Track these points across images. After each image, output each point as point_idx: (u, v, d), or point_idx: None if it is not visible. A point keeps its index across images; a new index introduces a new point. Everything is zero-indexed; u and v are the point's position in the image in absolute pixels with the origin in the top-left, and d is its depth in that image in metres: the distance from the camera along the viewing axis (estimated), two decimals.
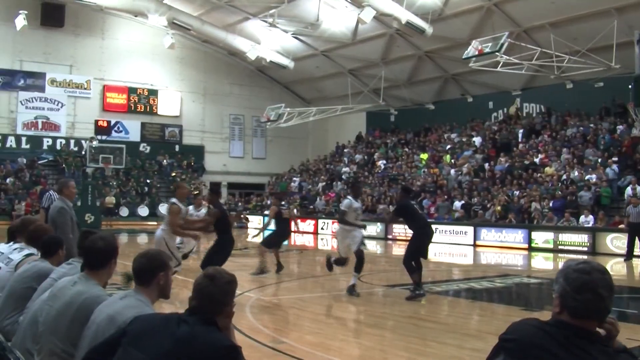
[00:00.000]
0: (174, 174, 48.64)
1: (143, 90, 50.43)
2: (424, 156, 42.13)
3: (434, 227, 32.06)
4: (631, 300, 15.49)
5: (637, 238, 22.78)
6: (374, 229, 33.75)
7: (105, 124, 49.06)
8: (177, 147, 51.54)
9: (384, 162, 44.41)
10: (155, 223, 31.16)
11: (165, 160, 50.21)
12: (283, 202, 21.89)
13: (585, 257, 23.99)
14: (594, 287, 3.15)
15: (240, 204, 49.31)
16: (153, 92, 50.75)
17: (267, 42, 44.62)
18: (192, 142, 52.26)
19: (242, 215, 46.14)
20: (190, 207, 19.25)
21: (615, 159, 30.90)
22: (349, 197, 14.48)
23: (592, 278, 3.17)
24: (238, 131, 54.83)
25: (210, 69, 52.32)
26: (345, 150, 50.74)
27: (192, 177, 49.53)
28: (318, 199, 43.12)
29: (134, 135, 50.26)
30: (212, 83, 52.66)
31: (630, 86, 29.37)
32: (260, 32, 43.77)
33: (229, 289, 3.95)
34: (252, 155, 55.37)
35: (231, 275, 4.00)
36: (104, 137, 47.72)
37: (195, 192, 46.09)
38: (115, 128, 49.58)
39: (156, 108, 50.87)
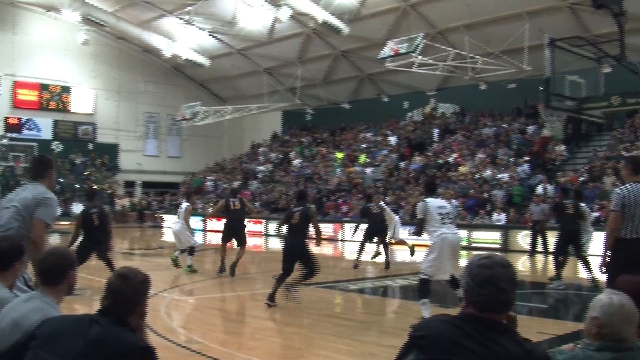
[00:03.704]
0: (87, 173, 47.73)
1: (56, 87, 49.01)
2: (340, 155, 42.27)
3: (349, 225, 32.40)
4: (536, 295, 15.80)
5: (539, 235, 23.28)
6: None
7: (15, 122, 47.56)
8: (90, 146, 50.39)
9: (300, 161, 44.41)
10: (68, 223, 30.28)
11: (78, 159, 49.18)
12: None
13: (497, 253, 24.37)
14: (496, 281, 3.23)
15: (154, 202, 48.79)
16: (66, 89, 49.45)
17: (183, 39, 44.19)
18: (106, 140, 51.24)
19: (156, 215, 45.88)
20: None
21: (526, 158, 31.58)
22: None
23: (494, 272, 3.25)
24: (153, 129, 54.12)
25: (125, 66, 51.44)
26: (260, 149, 50.56)
27: (105, 176, 48.72)
28: None
29: (46, 133, 48.82)
30: (126, 80, 51.78)
31: (540, 88, 29.85)
32: (176, 29, 43.34)
33: (141, 288, 3.84)
34: (167, 154, 54.71)
35: (144, 274, 3.90)
36: (14, 135, 46.48)
37: (109, 192, 45.63)
38: (27, 126, 48.14)
39: (69, 105, 49.54)
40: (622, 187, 8.42)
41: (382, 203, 21.16)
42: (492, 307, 3.24)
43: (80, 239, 14.43)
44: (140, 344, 3.65)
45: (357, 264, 19.85)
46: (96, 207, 15.04)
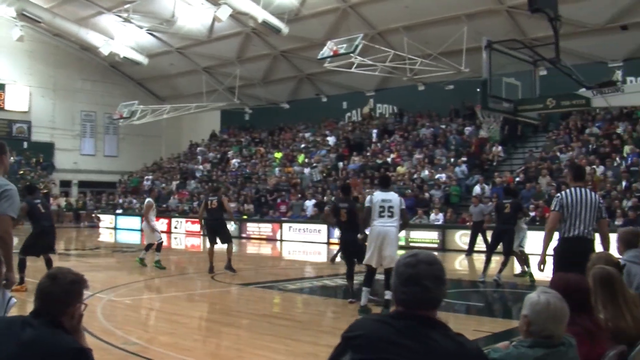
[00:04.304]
0: (22, 172, 46.90)
1: None
2: (278, 155, 42.27)
3: (288, 225, 32.47)
4: (474, 294, 16.00)
5: (479, 235, 23.56)
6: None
7: None
8: (25, 144, 49.50)
9: (238, 160, 44.26)
10: None
11: (12, 158, 48.28)
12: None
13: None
14: (419, 280, 3.26)
15: (91, 202, 48.23)
16: (0, 87, 48.68)
17: (121, 37, 43.65)
18: (42, 139, 50.42)
19: (93, 215, 45.37)
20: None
21: (464, 159, 31.94)
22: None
23: (417, 271, 3.28)
24: (90, 128, 53.41)
25: (62, 63, 50.63)
26: (199, 148, 50.28)
27: (41, 175, 47.94)
28: (171, 197, 42.62)
29: None
30: (63, 78, 50.96)
31: (478, 89, 30.15)
32: (114, 27, 42.80)
33: (71, 289, 3.74)
34: (104, 153, 54.05)
35: (76, 275, 3.81)
36: None
37: (44, 191, 44.91)
38: None
39: (3, 103, 48.65)
40: (562, 191, 9.50)
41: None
42: (417, 305, 3.27)
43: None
44: (75, 345, 3.58)
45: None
46: (39, 198, 15.50)
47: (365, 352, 3.21)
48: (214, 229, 18.19)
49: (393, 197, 12.04)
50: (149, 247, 19.32)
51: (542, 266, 9.17)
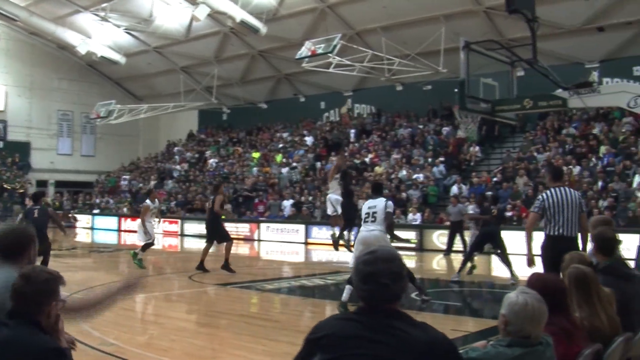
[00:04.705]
0: None
1: None
2: (256, 155, 42.20)
3: (266, 225, 32.44)
4: (452, 293, 16.05)
5: (457, 235, 23.65)
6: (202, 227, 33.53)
7: None
8: (1, 144, 49.02)
9: (216, 160, 44.14)
10: None
11: None
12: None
13: (411, 252, 24.72)
14: (377, 278, 3.30)
15: (68, 202, 47.95)
16: None
17: (99, 36, 43.33)
18: (18, 138, 49.85)
19: (69, 215, 45.08)
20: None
21: (441, 159, 32.01)
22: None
23: (374, 269, 3.32)
24: (67, 128, 52.94)
25: (38, 62, 50.14)
26: (176, 148, 50.07)
27: (17, 175, 47.53)
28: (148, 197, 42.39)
29: None
30: (39, 77, 50.46)
31: (455, 90, 30.22)
32: (91, 26, 42.49)
33: (46, 288, 3.71)
34: (80, 153, 53.57)
35: (50, 273, 3.78)
36: None
37: (20, 191, 44.62)
38: None
39: None
40: (544, 193, 9.72)
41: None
42: (376, 302, 3.31)
43: None
44: (52, 345, 3.56)
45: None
46: (40, 205, 16.01)
47: (335, 351, 3.24)
48: (207, 228, 18.83)
49: (379, 202, 12.08)
50: (144, 247, 19.35)
51: (531, 265, 9.43)
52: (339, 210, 17.55)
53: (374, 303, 3.31)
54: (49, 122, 51.53)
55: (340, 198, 17.41)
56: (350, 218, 17.34)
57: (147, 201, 20.02)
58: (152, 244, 19.58)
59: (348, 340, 3.23)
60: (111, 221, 40.60)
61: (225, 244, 18.24)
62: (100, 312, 4.97)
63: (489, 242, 17.41)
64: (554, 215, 9.29)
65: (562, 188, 9.50)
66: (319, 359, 3.29)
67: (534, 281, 4.58)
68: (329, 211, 18.52)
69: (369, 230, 11.79)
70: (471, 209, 19.25)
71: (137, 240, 20.12)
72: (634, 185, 24.65)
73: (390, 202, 12.40)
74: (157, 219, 21.35)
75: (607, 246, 6.59)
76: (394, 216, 13.07)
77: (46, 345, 3.54)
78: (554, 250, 8.69)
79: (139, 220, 20.07)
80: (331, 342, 3.26)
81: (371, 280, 3.30)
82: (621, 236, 8.53)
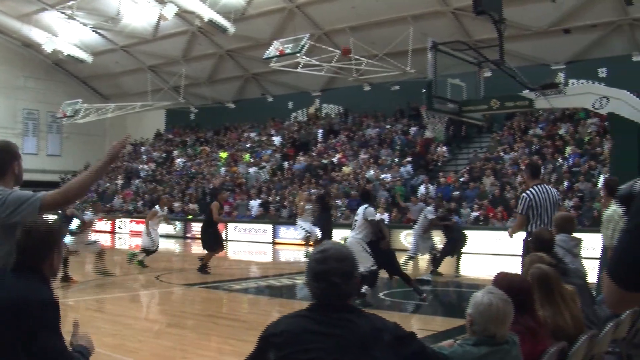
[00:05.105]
0: None
1: None
2: (224, 155, 42.09)
3: (234, 225, 32.36)
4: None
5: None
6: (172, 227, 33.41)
7: None
8: None
9: (183, 160, 43.98)
10: None
11: None
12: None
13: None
14: (327, 276, 3.32)
15: None
16: None
17: (65, 34, 42.93)
18: None
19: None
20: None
21: (409, 159, 32.11)
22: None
23: (326, 267, 3.34)
24: (32, 127, 52.42)
25: (3, 60, 49.43)
26: (143, 148, 49.81)
27: None
28: (115, 197, 42.22)
29: None
30: (4, 75, 49.78)
31: (423, 90, 30.31)
32: (58, 24, 42.11)
33: (48, 239, 3.85)
34: (46, 152, 53.08)
35: (50, 225, 3.94)
36: None
37: None
38: None
39: None
40: (527, 191, 9.70)
41: None
42: (328, 300, 3.34)
43: None
44: (49, 298, 3.71)
45: None
46: None
47: (289, 347, 3.28)
48: (201, 234, 19.76)
49: (360, 210, 12.36)
50: (144, 250, 19.46)
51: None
52: (314, 232, 18.18)
53: (325, 301, 3.34)
54: (14, 120, 50.93)
55: (308, 225, 18.21)
56: (327, 229, 17.91)
57: (157, 207, 20.41)
58: (154, 251, 19.57)
59: (301, 336, 3.27)
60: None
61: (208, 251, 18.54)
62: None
63: (459, 247, 18.03)
64: (540, 214, 9.36)
65: (542, 185, 9.67)
66: (274, 357, 3.31)
67: (500, 280, 4.61)
68: (301, 236, 19.22)
69: (351, 236, 12.45)
70: (429, 210, 19.38)
71: (140, 243, 20.26)
72: (599, 185, 24.90)
73: (369, 209, 12.54)
74: (171, 226, 22.60)
75: (545, 247, 6.68)
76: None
77: (45, 298, 3.71)
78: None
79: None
80: (285, 339, 3.30)
81: (322, 279, 3.32)
82: (586, 236, 8.77)
